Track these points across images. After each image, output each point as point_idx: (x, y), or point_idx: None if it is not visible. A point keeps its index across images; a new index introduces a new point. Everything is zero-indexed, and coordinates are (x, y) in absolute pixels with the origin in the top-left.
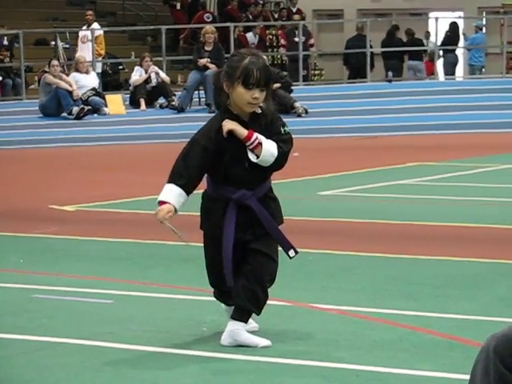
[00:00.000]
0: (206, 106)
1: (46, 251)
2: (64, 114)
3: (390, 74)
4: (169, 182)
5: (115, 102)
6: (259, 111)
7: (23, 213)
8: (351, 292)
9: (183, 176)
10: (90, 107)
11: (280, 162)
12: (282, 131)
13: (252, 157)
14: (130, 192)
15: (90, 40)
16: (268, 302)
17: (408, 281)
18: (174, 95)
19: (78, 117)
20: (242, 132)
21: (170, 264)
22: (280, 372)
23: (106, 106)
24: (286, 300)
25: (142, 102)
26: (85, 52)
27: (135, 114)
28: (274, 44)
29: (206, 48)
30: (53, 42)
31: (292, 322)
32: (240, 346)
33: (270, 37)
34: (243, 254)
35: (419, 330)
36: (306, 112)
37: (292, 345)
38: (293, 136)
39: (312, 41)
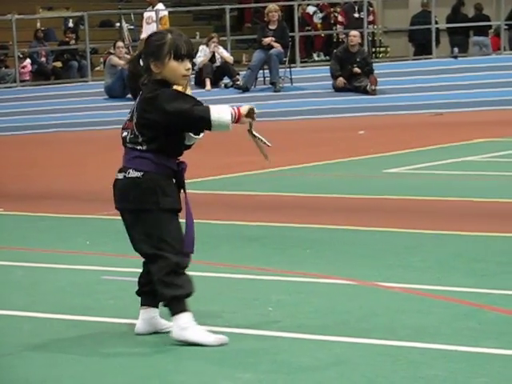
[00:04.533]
0: (270, 85)
1: (113, 232)
2: (129, 96)
3: (456, 49)
4: (209, 107)
5: None
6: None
7: (89, 194)
8: (416, 270)
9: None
10: None
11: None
12: None
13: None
14: (195, 172)
15: (154, 21)
16: (333, 280)
17: (474, 258)
18: (238, 74)
19: None
20: None
21: (234, 244)
22: (345, 350)
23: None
24: (351, 279)
25: (208, 81)
26: (149, 33)
27: (200, 94)
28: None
29: (271, 27)
30: (118, 24)
31: (357, 301)
32: (156, 333)
33: (335, 14)
34: None
35: (485, 307)
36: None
37: (357, 323)
38: (360, 114)
39: (371, 17)
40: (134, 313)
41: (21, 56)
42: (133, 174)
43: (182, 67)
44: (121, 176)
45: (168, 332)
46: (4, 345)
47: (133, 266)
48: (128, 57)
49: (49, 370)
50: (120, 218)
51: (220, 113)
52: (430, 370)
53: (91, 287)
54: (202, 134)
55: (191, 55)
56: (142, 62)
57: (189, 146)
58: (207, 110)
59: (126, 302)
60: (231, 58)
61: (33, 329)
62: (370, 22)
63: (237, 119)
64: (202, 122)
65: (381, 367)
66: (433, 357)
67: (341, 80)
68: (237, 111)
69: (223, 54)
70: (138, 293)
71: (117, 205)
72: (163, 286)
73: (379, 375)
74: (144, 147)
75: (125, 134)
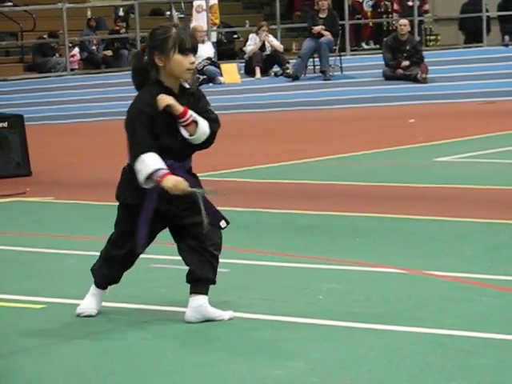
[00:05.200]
0: (320, 74)
1: None
2: None
3: (507, 37)
4: (145, 152)
5: (230, 71)
6: (187, 86)
7: None
8: (466, 259)
9: (151, 144)
10: (205, 76)
11: (210, 141)
12: (209, 110)
13: (185, 134)
14: (245, 161)
15: (204, 9)
16: (383, 269)
17: None
18: (288, 63)
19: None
20: (178, 108)
21: (285, 232)
22: (396, 339)
23: (222, 75)
24: (400, 267)
25: (258, 70)
26: (199, 22)
27: (250, 82)
28: (389, 10)
29: (321, 15)
30: (168, 12)
31: (407, 290)
32: (208, 321)
33: (386, 3)
34: (174, 228)
35: None
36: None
37: (407, 312)
38: (410, 102)
39: (427, 6)
40: (185, 301)
41: (70, 45)
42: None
43: (186, 61)
44: None
45: (220, 320)
46: (55, 332)
47: None
48: None
49: (100, 358)
50: None
51: (140, 171)
52: (481, 359)
53: (141, 275)
54: (194, 136)
55: (195, 49)
56: (146, 56)
57: (194, 147)
58: (134, 161)
59: (176, 290)
60: (281, 46)
61: (84, 317)
62: (425, 11)
63: (158, 184)
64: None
65: (431, 356)
66: (483, 345)
67: (399, 71)
68: (159, 180)
69: (273, 42)
70: (188, 280)
71: None
72: (96, 261)
73: (430, 364)
74: None
75: None
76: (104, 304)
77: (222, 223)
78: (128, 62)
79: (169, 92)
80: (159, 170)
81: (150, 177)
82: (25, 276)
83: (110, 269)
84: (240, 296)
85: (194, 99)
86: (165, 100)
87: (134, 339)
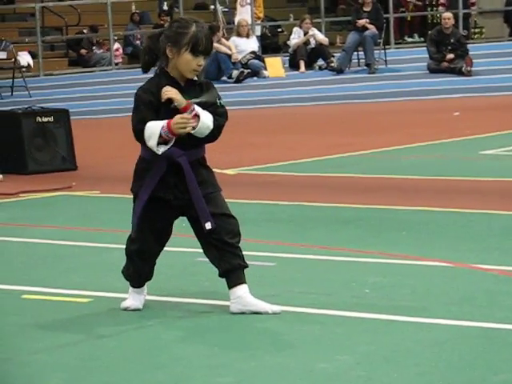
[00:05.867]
0: (365, 67)
1: None
2: (224, 78)
3: None
4: (146, 123)
5: (274, 65)
6: (195, 78)
7: None
8: None
9: (152, 120)
10: (249, 70)
11: (215, 134)
12: (218, 103)
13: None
14: (291, 155)
15: (248, 3)
16: (430, 262)
17: None
18: (333, 56)
19: (238, 80)
20: (181, 102)
21: (330, 226)
22: (443, 333)
23: (266, 68)
24: (447, 261)
25: (302, 64)
26: (243, 15)
27: (294, 76)
28: (434, 2)
29: (365, 9)
30: (212, 6)
31: (454, 283)
32: (253, 314)
33: None
34: (189, 221)
35: None
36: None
37: (454, 305)
38: (455, 95)
39: None
40: None
41: (115, 38)
42: None
43: (194, 62)
44: None
45: (264, 313)
46: (102, 326)
47: None
48: (222, 39)
49: (147, 351)
50: None
51: (150, 138)
52: None
53: (187, 269)
54: (196, 130)
55: (208, 53)
56: (161, 42)
57: (199, 139)
58: (141, 131)
59: (221, 283)
60: (326, 39)
61: (130, 311)
62: (472, 4)
63: (170, 135)
64: (136, 138)
65: (479, 349)
66: None
67: (444, 64)
68: (166, 130)
69: (318, 36)
70: (220, 276)
71: None
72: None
73: (477, 357)
74: None
75: None
76: (149, 297)
77: (208, 225)
78: (142, 40)
79: (175, 83)
80: (162, 126)
81: (161, 137)
82: (71, 270)
83: (134, 265)
84: (286, 289)
85: (202, 92)
86: (168, 92)
87: (180, 333)
